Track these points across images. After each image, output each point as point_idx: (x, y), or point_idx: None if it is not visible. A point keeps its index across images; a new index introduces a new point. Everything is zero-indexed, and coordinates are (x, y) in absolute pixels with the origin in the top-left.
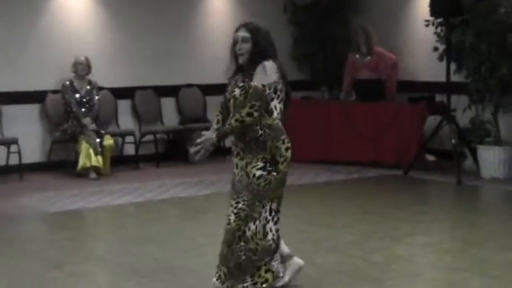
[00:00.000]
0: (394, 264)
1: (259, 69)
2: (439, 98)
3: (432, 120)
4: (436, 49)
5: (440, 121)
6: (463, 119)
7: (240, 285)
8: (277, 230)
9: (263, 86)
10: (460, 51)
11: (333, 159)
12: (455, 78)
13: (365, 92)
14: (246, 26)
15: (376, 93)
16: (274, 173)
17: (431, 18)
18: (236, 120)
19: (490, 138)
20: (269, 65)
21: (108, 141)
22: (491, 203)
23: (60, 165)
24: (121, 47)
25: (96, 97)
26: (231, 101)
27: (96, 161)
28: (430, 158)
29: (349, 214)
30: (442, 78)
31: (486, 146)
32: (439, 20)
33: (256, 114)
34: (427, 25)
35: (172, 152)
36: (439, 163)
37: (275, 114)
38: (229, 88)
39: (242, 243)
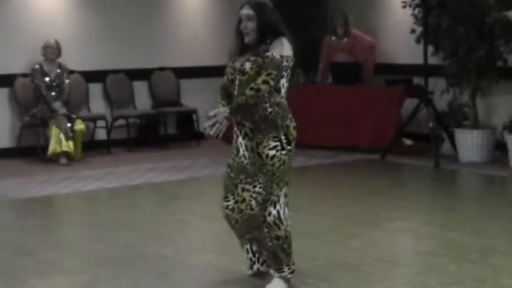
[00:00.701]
0: (371, 250)
1: (276, 43)
2: (416, 80)
3: (409, 104)
4: (413, 31)
5: (418, 104)
6: (441, 102)
7: (277, 275)
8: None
9: (281, 56)
10: (437, 33)
11: (308, 144)
12: (432, 60)
13: (341, 75)
14: (249, 3)
15: (352, 76)
16: (287, 152)
17: (408, 0)
18: (251, 88)
19: (468, 122)
20: (286, 41)
21: (79, 125)
22: (469, 187)
23: (30, 150)
24: (92, 29)
25: (67, 81)
26: (236, 79)
27: (67, 146)
28: (408, 141)
29: (324, 200)
30: (419, 60)
31: (464, 130)
32: (416, 1)
33: (272, 83)
34: (404, 6)
35: (145, 136)
36: (416, 147)
37: (282, 92)
38: (228, 69)
39: (266, 230)
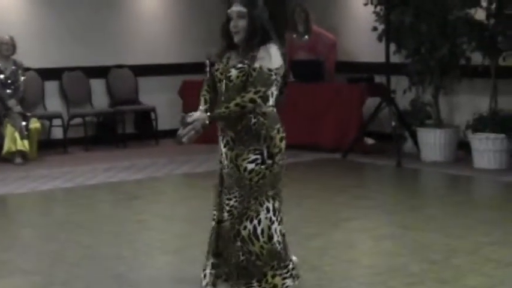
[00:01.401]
0: (332, 250)
1: (263, 52)
2: (378, 79)
3: (371, 102)
4: (375, 29)
5: (380, 103)
6: (403, 100)
7: None
8: (280, 232)
9: (269, 70)
10: (399, 31)
11: None
12: (395, 58)
13: (303, 73)
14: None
15: (314, 74)
16: (268, 166)
17: None
18: (237, 104)
19: (431, 121)
20: (274, 49)
21: (35, 124)
22: (432, 186)
23: None
24: (48, 25)
25: (22, 78)
26: (223, 82)
27: (22, 145)
28: (370, 141)
29: (285, 199)
30: (381, 59)
31: (426, 129)
32: None
33: (259, 101)
34: (366, 4)
35: (102, 135)
36: (378, 146)
37: (271, 101)
38: (218, 66)
39: (238, 243)
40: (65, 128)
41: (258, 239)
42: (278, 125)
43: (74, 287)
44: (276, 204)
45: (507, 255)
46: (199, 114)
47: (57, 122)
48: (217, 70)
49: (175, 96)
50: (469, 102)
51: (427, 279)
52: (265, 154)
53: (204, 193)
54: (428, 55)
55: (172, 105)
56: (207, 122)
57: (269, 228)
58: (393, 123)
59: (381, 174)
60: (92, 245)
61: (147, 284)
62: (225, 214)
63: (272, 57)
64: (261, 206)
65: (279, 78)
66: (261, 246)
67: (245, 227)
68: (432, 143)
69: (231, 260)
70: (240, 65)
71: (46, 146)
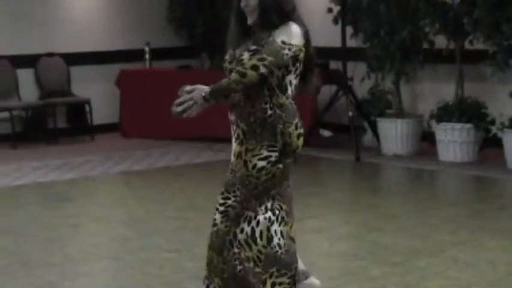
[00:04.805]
0: None
1: (281, 29)
2: (334, 65)
3: (327, 91)
4: (330, 10)
5: (336, 91)
6: (361, 88)
7: None
8: (282, 233)
9: (283, 42)
10: (356, 12)
11: (214, 136)
12: (351, 43)
13: None
14: None
15: None
16: (280, 165)
17: None
18: (237, 71)
19: (391, 110)
20: (294, 27)
21: None
22: (393, 182)
23: None
24: None
25: None
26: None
27: None
28: (325, 133)
29: None
30: (337, 43)
31: (387, 119)
32: None
33: (263, 70)
34: None
35: (31, 131)
36: (335, 139)
37: (289, 91)
38: (226, 56)
39: (236, 250)
40: None
41: (255, 242)
42: (296, 120)
43: None
44: (277, 203)
45: (474, 256)
46: (200, 86)
47: None
48: (225, 61)
49: (111, 86)
50: (433, 90)
51: (388, 284)
52: (281, 152)
53: (142, 193)
54: (388, 39)
55: (109, 97)
56: (208, 93)
57: (268, 229)
58: (350, 114)
59: (338, 170)
60: (19, 251)
61: None
62: (217, 216)
63: (291, 33)
64: (261, 206)
65: (298, 64)
66: (259, 251)
67: (242, 230)
68: (393, 134)
69: (226, 270)
70: (253, 47)
71: None
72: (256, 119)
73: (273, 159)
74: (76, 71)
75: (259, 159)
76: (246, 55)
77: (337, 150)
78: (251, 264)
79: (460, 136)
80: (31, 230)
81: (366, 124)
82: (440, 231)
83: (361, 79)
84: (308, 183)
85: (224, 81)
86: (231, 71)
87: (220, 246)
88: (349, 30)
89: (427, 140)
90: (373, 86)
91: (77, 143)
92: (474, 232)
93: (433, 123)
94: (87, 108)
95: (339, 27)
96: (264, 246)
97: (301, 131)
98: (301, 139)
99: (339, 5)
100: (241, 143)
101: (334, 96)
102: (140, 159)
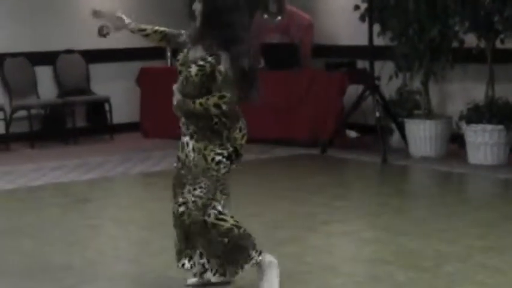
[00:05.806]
0: (309, 256)
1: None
2: (360, 64)
3: (353, 91)
4: (357, 8)
5: (363, 91)
6: (389, 88)
7: (240, 270)
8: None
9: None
10: (384, 10)
11: None
12: (379, 41)
13: (275, 58)
14: None
15: (288, 59)
16: (233, 160)
17: None
18: (201, 104)
19: (420, 111)
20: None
21: None
22: (421, 185)
23: None
24: None
25: None
26: (182, 74)
27: None
28: (352, 134)
29: (257, 200)
30: (364, 41)
31: (415, 120)
32: None
33: (224, 107)
34: None
35: (49, 130)
36: (361, 140)
37: (227, 97)
38: (179, 56)
39: (214, 231)
40: (8, 121)
41: (225, 220)
42: (239, 123)
43: None
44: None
45: (502, 262)
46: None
47: None
48: (178, 60)
49: (132, 85)
50: (462, 90)
51: None
52: (231, 153)
53: (163, 194)
54: (417, 37)
55: (129, 95)
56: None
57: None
58: (378, 114)
59: (364, 172)
60: (38, 253)
61: None
62: (182, 208)
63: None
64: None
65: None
66: (233, 224)
67: (209, 215)
68: (421, 136)
69: (213, 252)
70: (201, 62)
71: None
72: (204, 125)
73: (226, 155)
74: (96, 69)
75: (216, 154)
76: (193, 69)
77: (363, 151)
78: (235, 231)
79: (491, 138)
80: (50, 231)
81: (393, 125)
82: (468, 235)
83: (388, 79)
84: (333, 185)
85: (189, 103)
86: (180, 72)
87: (201, 232)
88: (376, 28)
89: (456, 141)
90: (401, 86)
91: (96, 142)
92: (504, 237)
93: (463, 125)
94: (106, 107)
95: (366, 25)
96: (235, 221)
97: (245, 131)
98: (245, 137)
99: (366, 2)
100: (197, 141)
101: (360, 96)
102: (160, 159)
